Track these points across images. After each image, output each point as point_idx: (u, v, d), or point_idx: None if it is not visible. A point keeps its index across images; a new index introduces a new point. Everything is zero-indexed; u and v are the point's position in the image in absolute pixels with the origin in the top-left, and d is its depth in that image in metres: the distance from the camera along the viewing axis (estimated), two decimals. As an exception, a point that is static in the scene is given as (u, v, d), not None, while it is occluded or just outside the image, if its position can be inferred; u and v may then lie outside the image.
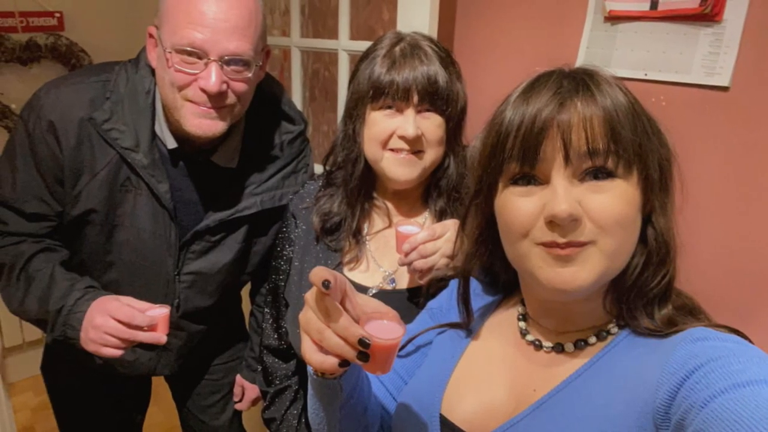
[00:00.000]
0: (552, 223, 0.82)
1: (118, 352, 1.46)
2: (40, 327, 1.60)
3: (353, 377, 0.94)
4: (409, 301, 1.46)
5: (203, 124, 1.46)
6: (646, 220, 0.88)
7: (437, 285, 1.29)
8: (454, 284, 1.17)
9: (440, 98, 1.38)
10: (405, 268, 1.39)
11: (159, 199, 1.58)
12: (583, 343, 0.92)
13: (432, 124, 1.40)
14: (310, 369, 0.92)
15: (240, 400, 2.08)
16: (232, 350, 2.09)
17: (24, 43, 3.45)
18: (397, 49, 1.39)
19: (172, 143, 1.57)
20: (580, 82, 0.85)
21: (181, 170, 1.63)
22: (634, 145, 0.83)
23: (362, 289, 1.46)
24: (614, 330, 0.91)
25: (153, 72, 1.54)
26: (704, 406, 0.66)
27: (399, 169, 1.41)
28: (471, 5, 1.79)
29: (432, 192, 1.52)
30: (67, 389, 1.97)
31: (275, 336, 1.67)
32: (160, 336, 1.47)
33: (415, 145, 1.39)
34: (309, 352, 0.82)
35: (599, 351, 0.90)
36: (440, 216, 1.50)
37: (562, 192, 0.81)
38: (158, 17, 1.46)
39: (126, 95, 1.54)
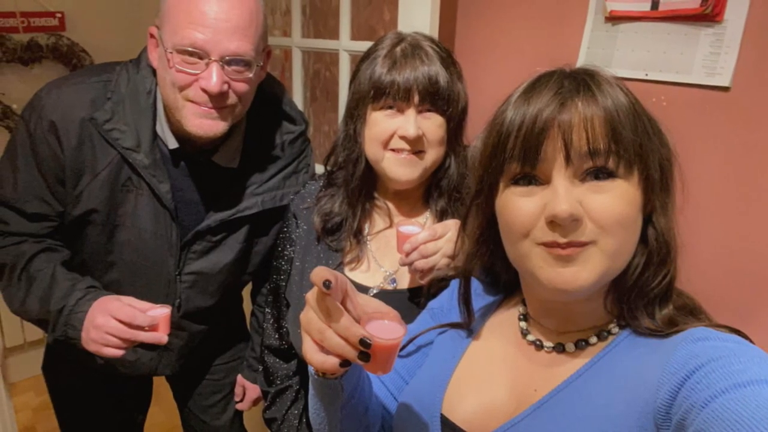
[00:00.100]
0: (553, 223, 0.82)
1: (119, 352, 1.46)
2: (42, 327, 1.60)
3: (354, 377, 0.94)
4: (410, 301, 1.46)
5: (204, 124, 1.46)
6: (647, 220, 0.88)
7: (438, 285, 1.29)
8: (455, 284, 1.17)
9: (441, 98, 1.38)
10: (406, 268, 1.39)
11: (160, 199, 1.58)
12: (583, 343, 0.92)
13: (433, 124, 1.40)
14: (311, 369, 0.92)
15: (241, 400, 2.08)
16: (233, 350, 2.09)
17: (25, 43, 3.46)
18: (398, 49, 1.40)
19: (173, 143, 1.57)
20: (581, 82, 0.85)
21: (182, 170, 1.63)
22: (635, 146, 0.83)
23: (363, 289, 1.47)
24: (615, 330, 0.91)
25: (154, 72, 1.54)
26: (705, 406, 0.66)
27: (400, 169, 1.41)
28: (472, 5, 1.79)
29: (433, 192, 1.52)
30: (69, 389, 1.97)
31: (276, 336, 1.67)
32: (161, 336, 1.47)
33: (416, 146, 1.39)
34: (310, 352, 0.83)
35: (600, 351, 0.90)
36: (441, 216, 1.50)
37: (562, 192, 0.81)
38: (159, 17, 1.46)
39: (127, 95, 1.54)
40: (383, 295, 1.47)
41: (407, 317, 0.96)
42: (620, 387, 0.82)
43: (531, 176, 0.86)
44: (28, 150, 1.52)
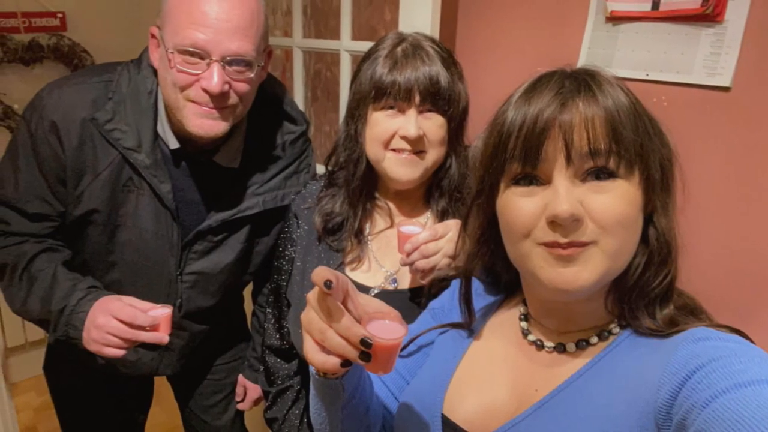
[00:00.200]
0: (554, 223, 0.82)
1: (120, 352, 1.46)
2: (43, 327, 1.60)
3: (355, 377, 0.94)
4: (411, 301, 1.46)
5: (205, 124, 1.46)
6: (648, 220, 0.88)
7: (439, 285, 1.29)
8: (455, 284, 1.17)
9: (442, 98, 1.38)
10: (407, 268, 1.40)
11: (161, 199, 1.58)
12: (584, 343, 0.92)
13: (434, 125, 1.40)
14: (312, 369, 0.92)
15: (242, 400, 2.08)
16: (234, 350, 2.09)
17: (26, 43, 3.46)
18: (399, 49, 1.40)
19: (174, 143, 1.57)
20: (582, 82, 0.85)
21: (183, 170, 1.63)
22: (636, 146, 0.83)
23: (364, 289, 1.47)
24: (616, 330, 0.91)
25: (155, 72, 1.55)
26: (706, 406, 0.66)
27: (401, 169, 1.41)
28: (473, 6, 1.79)
29: (434, 192, 1.52)
30: (70, 389, 1.97)
31: (277, 336, 1.67)
32: (162, 336, 1.47)
33: (417, 146, 1.39)
34: (311, 352, 0.83)
35: (601, 351, 0.90)
36: (442, 216, 1.50)
37: (563, 192, 0.81)
38: (160, 18, 1.46)
39: (128, 95, 1.54)
40: (384, 295, 1.47)
41: (408, 317, 0.96)
42: (621, 387, 0.82)
43: (532, 176, 0.86)
44: (30, 150, 1.52)
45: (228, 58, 1.41)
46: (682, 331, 0.83)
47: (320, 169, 1.80)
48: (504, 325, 1.07)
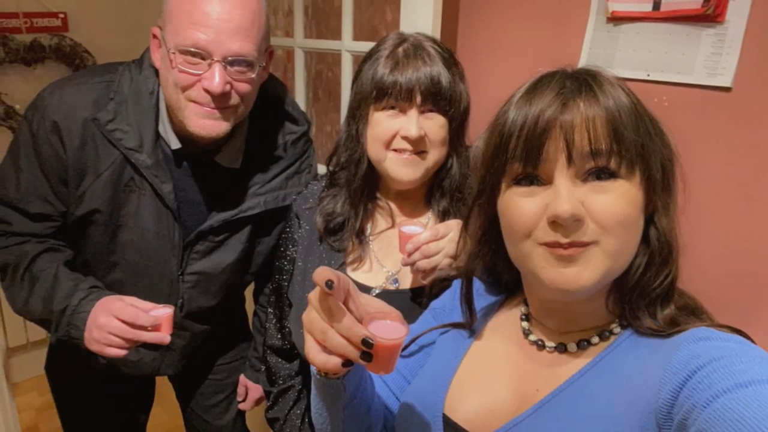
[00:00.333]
0: (555, 223, 0.82)
1: (121, 352, 1.46)
2: (44, 327, 1.60)
3: (356, 377, 0.94)
4: (412, 301, 1.46)
5: (207, 124, 1.46)
6: (649, 220, 0.88)
7: (440, 285, 1.29)
8: (457, 284, 1.18)
9: (443, 99, 1.38)
10: (408, 268, 1.40)
11: (163, 199, 1.59)
12: (585, 343, 0.92)
13: (435, 125, 1.40)
14: (313, 369, 0.92)
15: (243, 400, 2.08)
16: (235, 350, 2.09)
17: (28, 43, 3.46)
18: (400, 49, 1.40)
19: (175, 144, 1.58)
20: (583, 82, 0.85)
21: (184, 170, 1.63)
22: (637, 146, 0.83)
23: (365, 289, 1.47)
24: (617, 330, 0.91)
25: (157, 72, 1.55)
26: (706, 405, 0.66)
27: (402, 169, 1.41)
28: (474, 6, 1.79)
29: (435, 192, 1.52)
30: (71, 389, 1.97)
31: (279, 336, 1.67)
32: (163, 336, 1.47)
33: (418, 146, 1.39)
34: (312, 352, 0.83)
35: (602, 351, 0.90)
36: (443, 216, 1.50)
37: (564, 192, 0.82)
38: (162, 18, 1.46)
39: (130, 96, 1.54)
40: (385, 295, 1.47)
41: (409, 317, 0.96)
42: (622, 387, 0.82)
43: (533, 176, 0.86)
44: (31, 150, 1.53)
45: (229, 58, 1.41)
46: (683, 331, 0.83)
47: (321, 169, 1.81)
48: (505, 325, 1.07)
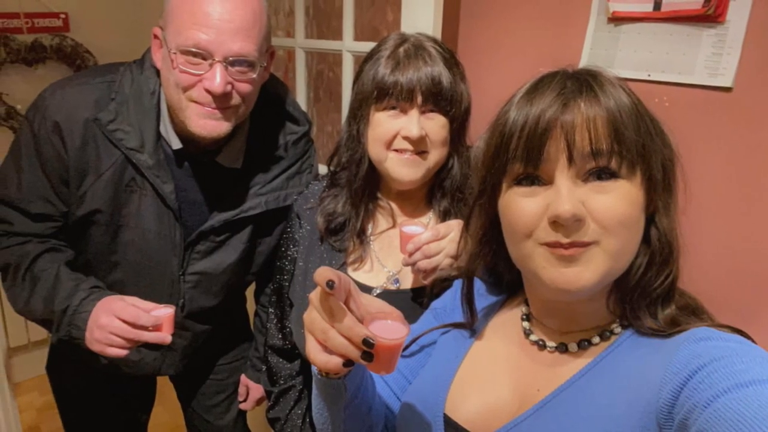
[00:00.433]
0: (556, 223, 0.82)
1: (123, 352, 1.46)
2: (46, 327, 1.60)
3: (357, 377, 0.95)
4: (413, 301, 1.46)
5: (208, 124, 1.46)
6: (650, 220, 0.88)
7: (441, 285, 1.29)
8: (458, 284, 1.18)
9: (444, 99, 1.38)
10: (409, 268, 1.40)
11: (164, 199, 1.59)
12: (586, 343, 0.92)
13: (436, 125, 1.40)
14: (314, 369, 0.92)
15: (244, 400, 2.08)
16: (236, 350, 2.09)
17: (29, 44, 3.46)
18: (401, 50, 1.40)
19: (177, 144, 1.58)
20: (584, 82, 0.85)
21: (185, 171, 1.63)
22: (638, 146, 0.83)
23: (366, 290, 1.47)
24: (618, 330, 0.91)
25: (158, 73, 1.55)
26: (707, 405, 0.66)
27: (403, 169, 1.41)
28: (475, 6, 1.79)
29: (436, 192, 1.52)
30: (73, 389, 1.97)
31: (280, 336, 1.68)
32: (164, 336, 1.47)
33: (419, 146, 1.39)
34: (313, 351, 0.83)
35: (603, 351, 0.90)
36: (444, 216, 1.50)
37: (565, 192, 0.82)
38: (163, 18, 1.47)
39: (131, 96, 1.55)
40: (386, 295, 1.47)
41: (410, 317, 0.96)
42: (623, 387, 0.82)
43: (534, 176, 0.87)
44: (32, 150, 1.53)
45: (230, 58, 1.41)
46: (683, 331, 0.83)
47: (322, 169, 1.81)
48: (506, 325, 1.07)
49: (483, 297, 1.14)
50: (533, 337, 0.99)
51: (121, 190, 1.57)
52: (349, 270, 1.51)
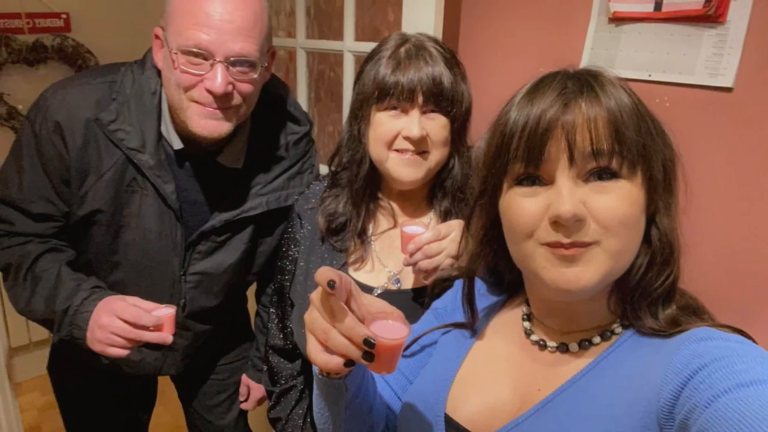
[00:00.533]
0: (556, 223, 0.82)
1: (124, 352, 1.46)
2: (47, 327, 1.61)
3: (358, 377, 0.95)
4: (414, 301, 1.46)
5: (209, 124, 1.47)
6: (650, 220, 0.88)
7: (442, 285, 1.29)
8: (458, 284, 1.18)
9: (445, 99, 1.38)
10: (410, 268, 1.40)
11: (165, 199, 1.59)
12: (587, 343, 0.92)
13: (437, 125, 1.40)
14: (315, 369, 0.92)
15: (245, 400, 2.08)
16: (237, 350, 2.09)
17: (30, 44, 3.47)
18: (402, 50, 1.40)
19: (178, 144, 1.58)
20: (585, 83, 0.85)
21: (187, 171, 1.64)
22: (638, 146, 0.83)
23: (367, 290, 1.47)
24: (618, 330, 0.91)
25: (159, 73, 1.55)
26: (708, 405, 0.66)
27: (404, 169, 1.41)
28: (476, 6, 1.80)
29: (437, 192, 1.52)
30: (74, 389, 1.97)
31: (281, 336, 1.68)
32: (166, 336, 1.47)
33: (420, 146, 1.39)
34: (314, 351, 0.83)
35: (603, 351, 0.90)
36: (445, 216, 1.50)
37: (566, 192, 0.82)
38: (164, 18, 1.47)
39: (132, 96, 1.55)
40: (387, 295, 1.47)
41: (411, 317, 0.96)
42: (624, 387, 0.82)
43: (535, 177, 0.87)
44: (34, 150, 1.53)
45: (231, 58, 1.41)
46: (684, 331, 0.83)
47: (323, 169, 1.81)
48: (507, 325, 1.07)
49: (484, 297, 1.14)
50: (534, 337, 0.99)
51: (122, 190, 1.57)
52: (350, 270, 1.51)
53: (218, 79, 1.40)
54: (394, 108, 1.40)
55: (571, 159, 0.82)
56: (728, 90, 1.29)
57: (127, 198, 1.58)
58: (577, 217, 0.80)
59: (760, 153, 1.25)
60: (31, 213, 1.57)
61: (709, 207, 1.32)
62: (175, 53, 1.41)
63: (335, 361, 0.82)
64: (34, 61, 3.51)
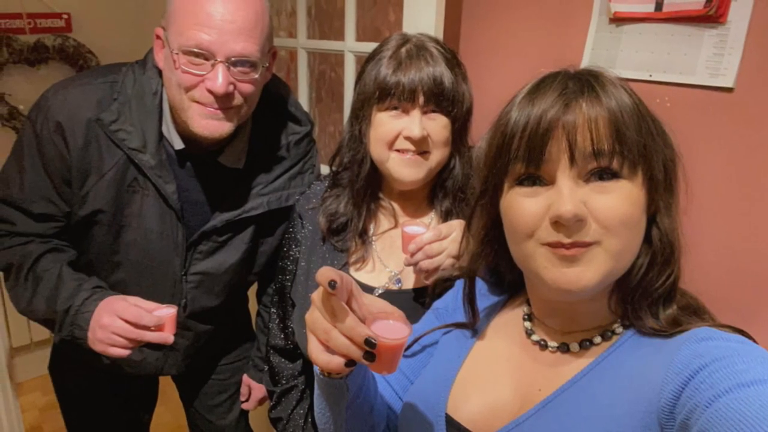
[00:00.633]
0: (557, 223, 0.82)
1: (125, 352, 1.46)
2: (48, 327, 1.61)
3: (359, 377, 0.95)
4: (415, 301, 1.46)
5: (210, 125, 1.47)
6: (651, 220, 0.88)
7: (443, 285, 1.29)
8: (459, 284, 1.18)
9: (446, 99, 1.38)
10: (411, 268, 1.40)
11: (166, 199, 1.59)
12: (588, 342, 0.92)
13: (438, 125, 1.40)
14: (316, 369, 0.92)
15: (247, 400, 2.09)
16: (238, 350, 2.09)
17: (32, 44, 3.47)
18: (403, 50, 1.40)
19: (179, 144, 1.58)
20: (585, 83, 0.85)
21: (188, 171, 1.64)
22: (639, 146, 0.84)
23: (368, 290, 1.47)
24: (619, 330, 0.91)
25: (160, 73, 1.55)
26: (709, 405, 0.66)
27: (405, 169, 1.41)
28: (476, 6, 1.80)
29: (438, 192, 1.52)
30: (75, 389, 1.97)
31: (282, 336, 1.68)
32: (167, 336, 1.47)
33: (421, 146, 1.40)
34: (315, 351, 0.83)
35: (604, 351, 0.90)
36: (446, 216, 1.50)
37: (567, 192, 0.82)
38: (165, 18, 1.47)
39: (133, 96, 1.55)
40: (388, 295, 1.47)
41: (412, 317, 0.96)
42: (624, 387, 0.82)
43: (535, 177, 0.87)
44: (35, 150, 1.53)
45: (233, 58, 1.41)
46: (685, 331, 0.83)
47: (324, 169, 1.81)
48: (508, 325, 1.07)
49: (485, 297, 1.14)
50: (535, 337, 0.99)
51: (123, 190, 1.57)
52: (351, 270, 1.51)
53: (219, 79, 1.40)
54: (395, 108, 1.40)
55: (572, 159, 0.82)
56: (729, 90, 1.29)
57: (129, 198, 1.58)
58: (578, 217, 0.80)
59: (761, 153, 1.25)
60: (32, 213, 1.57)
61: (710, 207, 1.32)
62: (176, 53, 1.41)
63: (336, 361, 0.82)
64: (35, 61, 3.51)
